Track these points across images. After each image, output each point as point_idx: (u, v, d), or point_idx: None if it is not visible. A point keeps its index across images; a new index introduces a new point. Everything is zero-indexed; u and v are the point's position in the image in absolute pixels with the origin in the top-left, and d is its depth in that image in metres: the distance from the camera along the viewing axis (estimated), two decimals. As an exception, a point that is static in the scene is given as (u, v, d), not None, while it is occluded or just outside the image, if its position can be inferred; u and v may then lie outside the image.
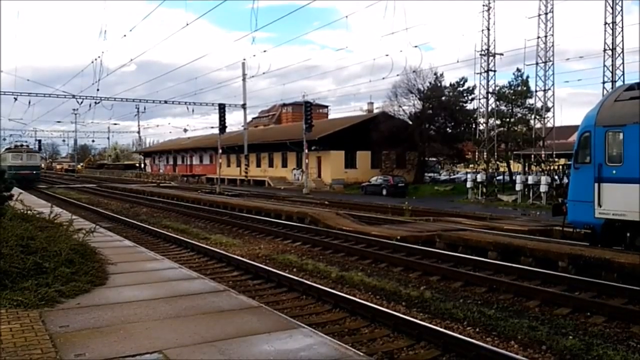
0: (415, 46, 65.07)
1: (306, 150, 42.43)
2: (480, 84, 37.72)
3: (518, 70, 39.04)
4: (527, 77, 38.32)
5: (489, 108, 37.78)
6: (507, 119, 38.81)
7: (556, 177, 32.24)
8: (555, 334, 7.29)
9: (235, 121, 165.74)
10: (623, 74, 28.91)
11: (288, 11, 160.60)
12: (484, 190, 34.94)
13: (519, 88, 38.80)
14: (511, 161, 40.62)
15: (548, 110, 34.56)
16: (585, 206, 11.98)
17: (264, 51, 76.93)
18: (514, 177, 36.92)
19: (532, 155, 34.44)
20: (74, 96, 47.77)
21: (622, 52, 28.93)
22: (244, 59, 51.50)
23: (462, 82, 46.64)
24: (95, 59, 42.29)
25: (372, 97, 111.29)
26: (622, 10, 29.03)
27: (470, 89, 45.22)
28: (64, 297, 6.39)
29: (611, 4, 28.90)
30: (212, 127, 61.52)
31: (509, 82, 39.81)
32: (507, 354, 6.32)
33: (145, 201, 31.92)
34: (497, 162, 38.76)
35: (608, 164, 11.67)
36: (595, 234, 12.22)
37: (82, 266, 7.56)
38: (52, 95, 48.74)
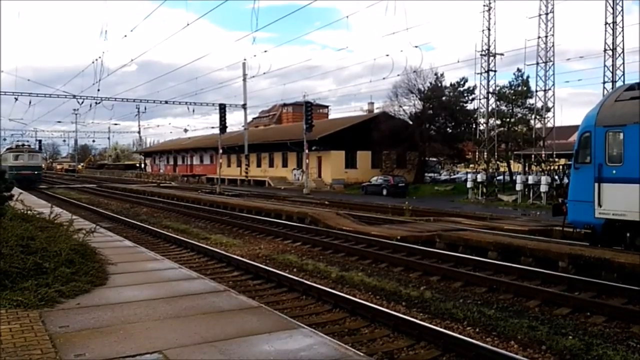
0: (416, 46, 65.14)
1: (306, 150, 42.42)
2: (480, 84, 37.78)
3: (518, 70, 39.15)
4: (528, 77, 38.43)
5: (490, 108, 37.81)
6: (508, 119, 38.83)
7: (556, 177, 32.23)
8: (555, 334, 7.29)
9: (235, 121, 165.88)
10: (623, 74, 28.95)
11: (289, 11, 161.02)
12: (484, 190, 34.93)
13: (520, 88, 38.83)
14: (511, 161, 40.65)
15: (548, 110, 34.58)
16: (585, 206, 11.98)
17: (265, 51, 76.76)
18: (514, 177, 36.92)
19: (533, 155, 34.44)
20: (74, 96, 47.85)
21: (623, 52, 28.98)
22: (245, 59, 51.70)
23: (462, 82, 46.72)
24: (96, 59, 42.33)
25: (372, 97, 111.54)
26: (622, 10, 29.07)
27: (471, 89, 45.28)
28: (64, 298, 6.39)
29: (611, 4, 28.91)
30: (212, 127, 61.73)
31: (510, 82, 39.94)
32: (507, 354, 6.32)
33: (146, 201, 31.92)
34: (498, 162, 38.77)
35: (608, 164, 11.67)
36: (596, 234, 12.22)
37: (82, 266, 7.56)
38: (53, 95, 48.84)
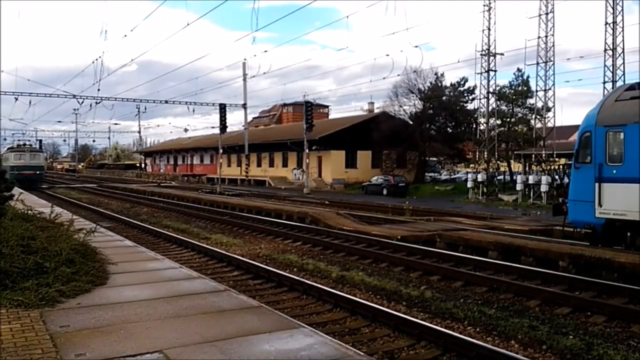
0: (416, 46, 65.23)
1: (307, 150, 42.42)
2: (480, 83, 37.79)
3: (519, 70, 39.13)
4: (528, 77, 38.42)
5: (490, 108, 37.80)
6: (508, 119, 38.82)
7: (557, 177, 32.23)
8: (555, 334, 7.29)
9: (235, 121, 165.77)
10: (624, 74, 28.95)
11: (289, 11, 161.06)
12: (485, 190, 34.93)
13: (520, 88, 38.82)
14: (512, 161, 40.63)
15: (549, 110, 34.59)
16: (585, 206, 11.98)
17: (265, 51, 77.29)
18: (514, 177, 36.92)
19: (533, 155, 34.44)
20: (74, 96, 47.88)
21: (623, 52, 28.97)
22: (245, 59, 51.69)
23: (462, 82, 46.72)
24: (96, 59, 42.25)
25: (372, 97, 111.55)
26: (622, 10, 29.07)
27: (471, 88, 45.27)
28: (65, 297, 6.39)
29: (612, 4, 28.90)
30: (212, 127, 61.77)
31: (510, 82, 39.92)
32: (508, 353, 6.32)
33: (146, 201, 31.93)
34: (498, 162, 38.76)
35: (609, 164, 11.67)
36: (596, 234, 12.22)
37: (83, 266, 7.56)
38: (53, 95, 48.86)
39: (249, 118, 64.56)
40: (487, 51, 36.07)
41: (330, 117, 79.43)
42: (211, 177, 58.60)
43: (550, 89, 33.45)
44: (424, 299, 9.17)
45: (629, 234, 11.53)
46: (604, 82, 29.05)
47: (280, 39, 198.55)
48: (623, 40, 28.90)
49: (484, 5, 36.05)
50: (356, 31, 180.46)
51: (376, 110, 59.43)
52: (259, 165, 59.51)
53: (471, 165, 44.30)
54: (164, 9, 68.04)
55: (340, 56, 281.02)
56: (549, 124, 34.95)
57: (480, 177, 35.10)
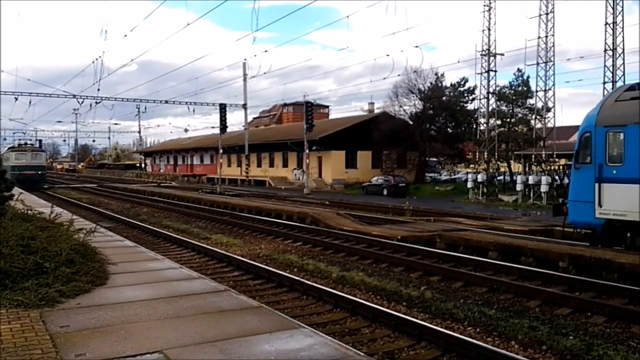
0: (416, 46, 65.30)
1: (307, 150, 42.42)
2: (481, 84, 37.79)
3: (519, 70, 39.15)
4: (528, 77, 38.44)
5: (490, 108, 37.81)
6: (508, 119, 38.83)
7: (557, 177, 32.22)
8: (555, 334, 7.29)
9: (236, 121, 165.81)
10: (624, 74, 28.95)
11: (289, 11, 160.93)
12: (485, 190, 34.92)
13: (520, 88, 38.83)
14: (512, 161, 40.64)
15: (549, 110, 34.59)
16: (585, 206, 11.97)
17: (265, 51, 77.85)
18: (514, 177, 36.92)
19: (533, 156, 34.44)
20: (74, 96, 47.82)
21: (623, 52, 28.98)
22: (245, 59, 51.90)
23: (462, 82, 46.73)
24: (96, 59, 42.14)
25: (373, 97, 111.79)
26: (622, 10, 29.07)
27: (471, 89, 45.29)
28: (65, 297, 6.39)
29: (612, 4, 28.90)
30: (212, 127, 61.74)
31: (510, 82, 39.96)
32: (508, 354, 6.32)
33: (146, 201, 31.93)
34: (498, 162, 38.77)
35: (609, 164, 11.67)
36: (596, 234, 12.21)
37: (83, 266, 7.56)
38: (53, 95, 48.79)
39: (249, 118, 64.61)
40: (487, 51, 36.08)
41: (331, 117, 79.50)
42: (211, 177, 58.61)
43: (550, 89, 33.49)
44: (424, 299, 9.17)
45: (629, 234, 11.52)
46: (604, 83, 29.08)
47: (281, 39, 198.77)
48: (623, 40, 28.94)
49: (484, 5, 36.10)
50: (356, 31, 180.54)
51: (376, 111, 59.47)
52: (259, 165, 59.52)
53: (471, 166, 44.29)
54: (164, 9, 68.12)
55: (340, 56, 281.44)
56: (549, 125, 34.97)
57: (480, 178, 35.08)
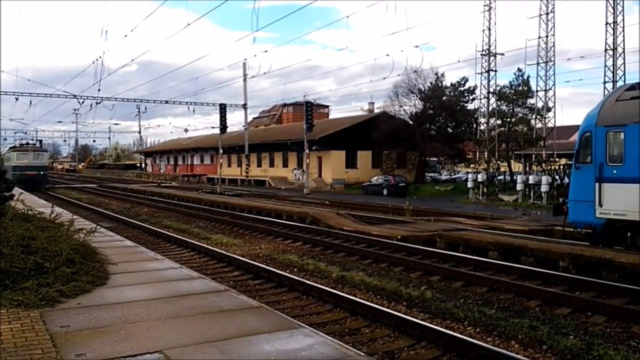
0: (416, 46, 65.45)
1: (307, 150, 42.42)
2: (481, 83, 37.85)
3: (519, 70, 39.19)
4: (528, 77, 38.48)
5: (490, 108, 37.84)
6: (508, 119, 38.85)
7: (557, 177, 32.22)
8: (556, 334, 7.29)
9: (236, 121, 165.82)
10: (624, 74, 28.96)
11: (289, 11, 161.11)
12: (485, 190, 34.92)
13: (520, 88, 38.85)
14: (512, 161, 40.64)
15: (549, 110, 34.61)
16: (586, 206, 11.97)
17: (265, 51, 78.03)
18: (514, 177, 36.92)
19: (533, 155, 34.45)
20: (75, 96, 47.81)
21: (623, 52, 28.99)
22: (245, 59, 51.85)
23: (463, 82, 46.73)
24: (97, 59, 42.14)
25: (373, 97, 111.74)
26: (623, 10, 29.08)
27: (471, 88, 45.29)
28: (65, 297, 6.39)
29: (612, 4, 28.90)
30: (213, 127, 61.71)
31: (510, 82, 40.00)
32: (508, 353, 6.32)
33: (146, 201, 31.93)
34: (498, 162, 38.78)
35: (609, 164, 11.67)
36: (596, 234, 12.21)
37: (83, 266, 7.56)
38: (53, 95, 48.76)
39: (249, 118, 64.59)
40: (487, 51, 36.10)
41: (331, 117, 79.46)
42: (211, 177, 58.62)
43: (550, 89, 33.53)
44: (424, 299, 9.17)
45: (629, 234, 11.51)
46: (605, 82, 29.09)
47: (281, 39, 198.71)
48: (623, 40, 28.96)
49: (484, 5, 36.16)
50: (356, 31, 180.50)
51: (376, 110, 59.42)
52: (259, 165, 59.52)
53: (471, 166, 44.31)
54: (164, 9, 68.17)
55: (340, 56, 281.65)
56: (549, 124, 34.98)
57: (480, 177, 35.09)
